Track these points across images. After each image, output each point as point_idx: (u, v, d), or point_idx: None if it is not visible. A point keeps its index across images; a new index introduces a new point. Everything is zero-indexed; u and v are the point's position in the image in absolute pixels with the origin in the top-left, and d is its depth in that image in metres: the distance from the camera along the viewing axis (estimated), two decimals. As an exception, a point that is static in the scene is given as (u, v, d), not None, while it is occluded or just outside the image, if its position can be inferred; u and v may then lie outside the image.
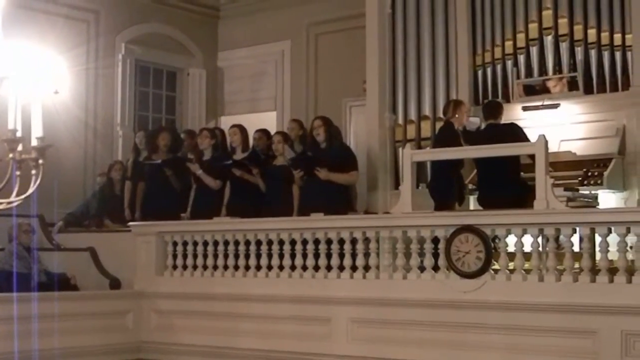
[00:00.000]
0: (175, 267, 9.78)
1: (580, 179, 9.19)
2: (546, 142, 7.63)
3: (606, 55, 9.85)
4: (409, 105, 11.17)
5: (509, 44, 10.46)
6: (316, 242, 8.69)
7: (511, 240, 7.66)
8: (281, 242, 8.93)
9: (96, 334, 9.37)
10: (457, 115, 9.51)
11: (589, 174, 9.19)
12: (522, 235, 7.55)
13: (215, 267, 9.45)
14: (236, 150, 10.53)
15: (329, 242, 8.60)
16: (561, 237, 7.41)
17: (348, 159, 9.70)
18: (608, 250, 7.15)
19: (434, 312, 7.87)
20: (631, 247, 7.15)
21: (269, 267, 9.02)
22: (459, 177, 9.43)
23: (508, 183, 8.70)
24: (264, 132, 10.70)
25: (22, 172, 4.76)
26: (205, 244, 9.52)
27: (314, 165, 9.53)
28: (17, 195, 4.78)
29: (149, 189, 11.16)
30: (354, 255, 8.48)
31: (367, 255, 8.40)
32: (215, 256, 9.45)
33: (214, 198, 10.39)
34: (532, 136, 8.20)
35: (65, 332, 8.87)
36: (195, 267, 9.61)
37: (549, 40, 10.19)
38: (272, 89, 14.18)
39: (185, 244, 9.69)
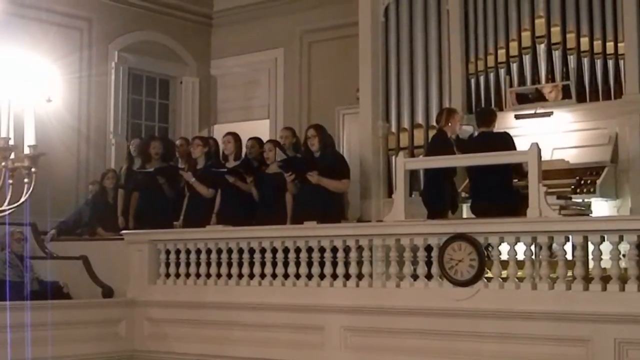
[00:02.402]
0: (168, 275, 9.76)
1: (573, 187, 9.20)
2: (539, 150, 7.64)
3: (599, 63, 9.87)
4: (402, 113, 11.18)
5: (501, 52, 10.48)
6: (309, 250, 8.68)
7: (504, 248, 7.66)
8: (274, 251, 8.92)
9: (89, 342, 9.34)
10: (449, 124, 9.51)
11: (582, 182, 9.21)
12: (515, 244, 7.55)
13: (208, 276, 9.43)
14: (229, 158, 10.52)
15: (322, 250, 8.59)
16: (554, 245, 7.41)
17: (340, 167, 9.69)
18: (601, 258, 7.15)
19: (427, 320, 7.86)
20: (624, 255, 7.15)
21: (262, 276, 9.01)
22: (452, 185, 9.43)
23: (501, 191, 8.70)
24: (256, 140, 10.67)
25: (15, 180, 4.76)
26: (198, 252, 9.50)
27: (304, 168, 9.53)
28: (10, 203, 4.78)
29: (142, 197, 11.15)
30: (347, 264, 8.47)
31: (360, 263, 8.39)
32: (208, 264, 9.44)
33: (206, 206, 10.37)
34: (525, 144, 8.20)
35: (58, 340, 8.83)
36: (188, 275, 9.59)
37: (541, 48, 10.21)
38: (265, 97, 14.17)
39: (178, 252, 9.67)
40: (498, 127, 9.45)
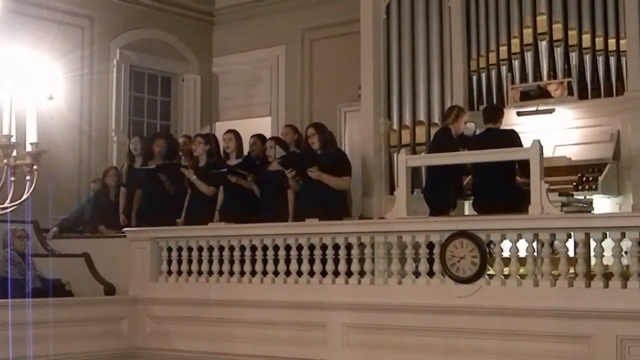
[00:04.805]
0: (170, 272, 9.76)
1: (575, 184, 9.19)
2: (541, 147, 7.63)
3: (600, 60, 9.86)
4: (404, 110, 11.17)
5: (503, 49, 10.47)
6: (311, 247, 8.69)
7: (506, 245, 7.66)
8: (276, 248, 8.93)
9: (91, 340, 9.35)
10: (456, 122, 9.51)
11: (584, 179, 9.20)
12: (517, 241, 7.55)
13: (210, 273, 9.44)
14: (230, 156, 10.52)
15: (324, 247, 8.59)
16: (556, 242, 7.42)
17: (342, 164, 9.69)
18: (603, 255, 7.16)
19: (429, 317, 7.86)
20: (626, 252, 7.16)
21: (264, 273, 9.02)
22: (459, 184, 9.41)
23: (503, 188, 8.69)
24: (259, 137, 10.68)
25: (17, 178, 4.76)
26: (200, 249, 9.51)
27: (304, 164, 9.52)
28: (12, 201, 4.78)
29: (144, 194, 11.15)
30: (349, 261, 8.47)
31: (361, 260, 8.40)
32: (210, 262, 9.45)
33: (208, 204, 10.37)
34: (527, 141, 8.21)
35: (60, 338, 8.85)
36: (190, 272, 9.60)
37: (543, 45, 10.19)
38: (267, 94, 14.17)
39: (180, 249, 9.68)
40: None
